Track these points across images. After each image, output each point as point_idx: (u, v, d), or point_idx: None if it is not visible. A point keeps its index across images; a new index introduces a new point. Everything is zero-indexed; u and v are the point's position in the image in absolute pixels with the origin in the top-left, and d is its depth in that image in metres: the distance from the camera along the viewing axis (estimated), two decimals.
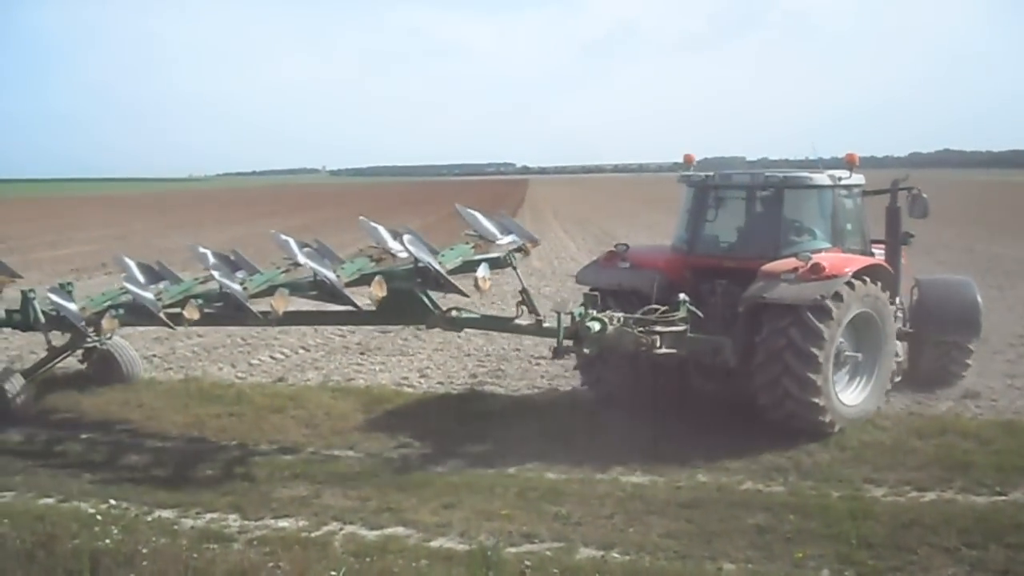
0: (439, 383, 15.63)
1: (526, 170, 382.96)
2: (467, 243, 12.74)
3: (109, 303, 13.53)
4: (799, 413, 11.93)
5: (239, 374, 16.50)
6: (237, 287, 12.37)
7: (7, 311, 14.42)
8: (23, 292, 14.16)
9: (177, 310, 12.72)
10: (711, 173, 14.23)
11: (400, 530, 9.35)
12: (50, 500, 10.39)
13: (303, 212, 79.75)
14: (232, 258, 13.81)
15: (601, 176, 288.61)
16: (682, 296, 12.18)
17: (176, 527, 9.46)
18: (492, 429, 12.76)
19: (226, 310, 12.64)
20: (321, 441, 12.44)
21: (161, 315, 12.65)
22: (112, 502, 10.16)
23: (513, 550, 8.71)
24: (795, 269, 12.05)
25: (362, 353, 18.00)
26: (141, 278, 13.60)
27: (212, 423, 13.27)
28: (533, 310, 12.10)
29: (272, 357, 17.72)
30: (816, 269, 11.90)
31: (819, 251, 12.64)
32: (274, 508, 9.98)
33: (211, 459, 11.70)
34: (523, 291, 12.15)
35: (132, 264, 14.04)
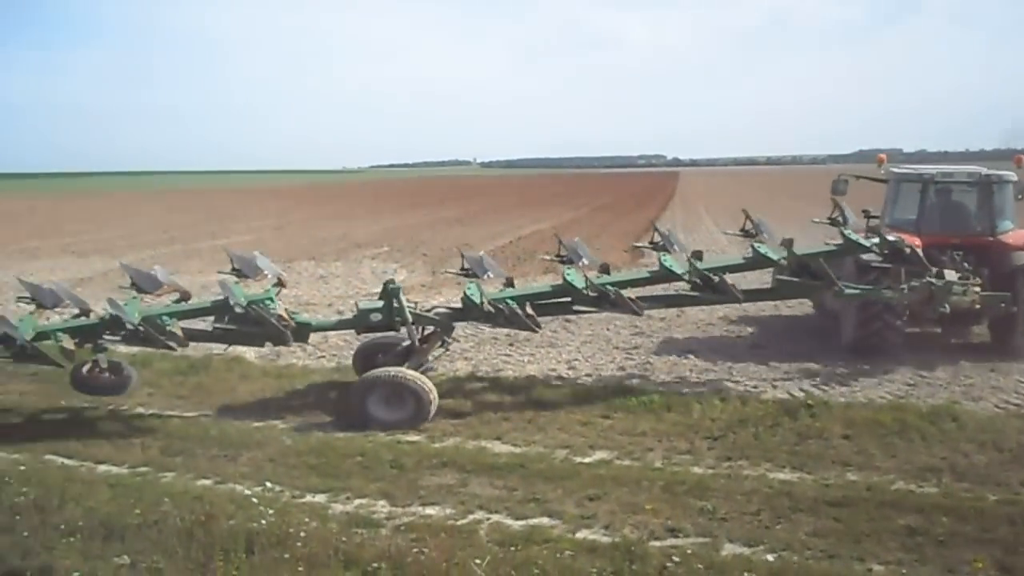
0: (587, 375, 15.58)
1: (677, 162, 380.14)
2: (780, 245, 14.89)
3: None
4: None
5: None
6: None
7: (363, 310, 14.14)
8: (386, 285, 13.97)
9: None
10: (934, 171, 17.67)
11: (545, 521, 9.34)
12: (208, 481, 10.69)
13: (453, 204, 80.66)
14: (566, 254, 14.65)
15: (754, 169, 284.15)
16: (967, 264, 15.94)
17: (327, 511, 9.63)
18: (639, 422, 12.68)
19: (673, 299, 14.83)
20: (469, 431, 12.53)
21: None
22: (267, 485, 10.41)
23: (657, 544, 8.63)
24: None
25: (511, 344, 18.03)
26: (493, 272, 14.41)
27: None
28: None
29: None
30: None
31: (1011, 230, 16.94)
32: (422, 496, 10.08)
33: (361, 446, 11.87)
34: None
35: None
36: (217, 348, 15.73)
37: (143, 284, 13.58)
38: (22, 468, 10.82)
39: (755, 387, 14.49)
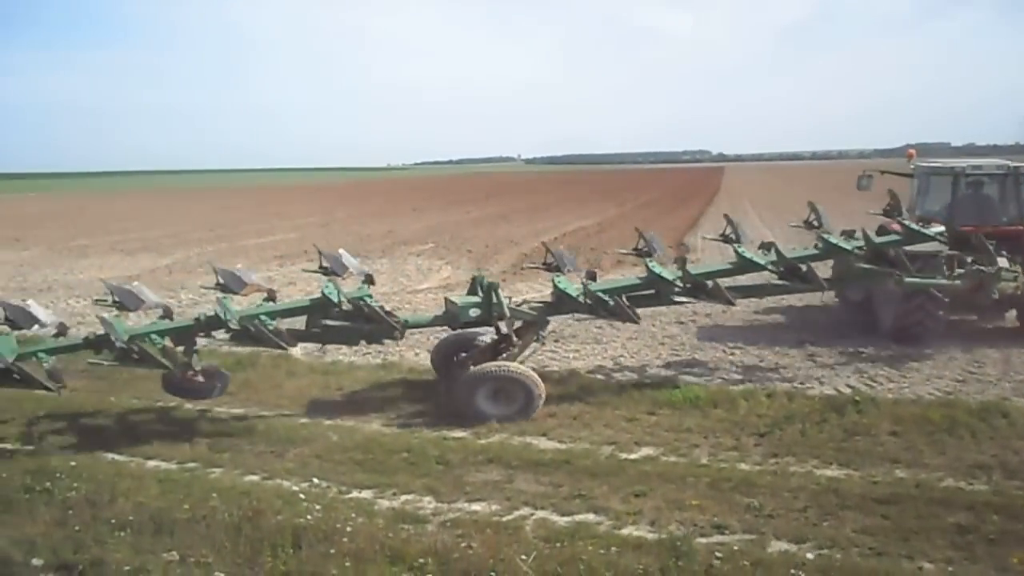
0: (632, 371, 15.57)
1: (722, 157, 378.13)
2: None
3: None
4: None
5: None
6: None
7: (461, 305, 13.64)
8: (476, 278, 14.00)
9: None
10: (964, 164, 18.87)
11: (591, 517, 9.33)
12: (255, 477, 10.77)
13: (497, 200, 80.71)
14: (643, 244, 15.08)
15: (799, 163, 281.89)
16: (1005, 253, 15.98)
17: (374, 507, 9.67)
18: (685, 419, 12.63)
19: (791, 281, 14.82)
20: (514, 427, 12.50)
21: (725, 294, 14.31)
22: (314, 481, 10.49)
23: (703, 541, 8.61)
24: None
25: (556, 340, 17.98)
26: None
27: (408, 407, 13.55)
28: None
29: None
30: None
31: None
32: (468, 492, 10.10)
33: (407, 442, 11.91)
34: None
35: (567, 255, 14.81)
36: None
37: (230, 283, 13.13)
38: (73, 464, 10.96)
39: (801, 383, 14.41)
